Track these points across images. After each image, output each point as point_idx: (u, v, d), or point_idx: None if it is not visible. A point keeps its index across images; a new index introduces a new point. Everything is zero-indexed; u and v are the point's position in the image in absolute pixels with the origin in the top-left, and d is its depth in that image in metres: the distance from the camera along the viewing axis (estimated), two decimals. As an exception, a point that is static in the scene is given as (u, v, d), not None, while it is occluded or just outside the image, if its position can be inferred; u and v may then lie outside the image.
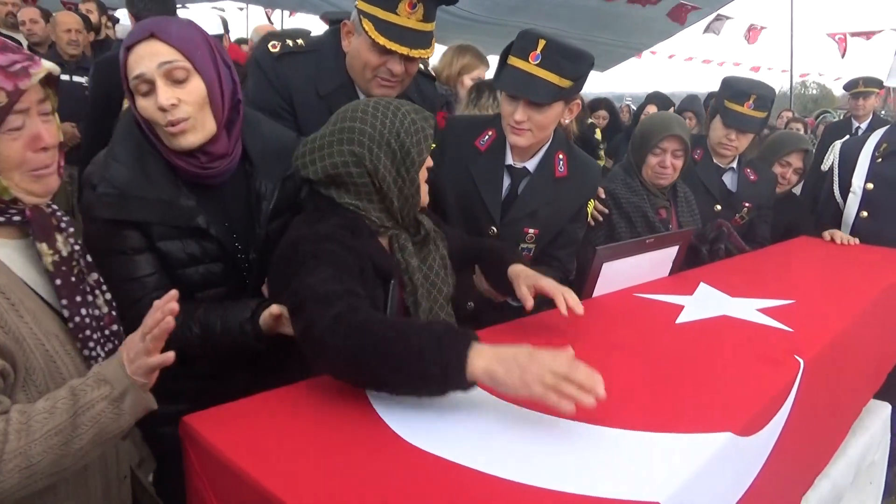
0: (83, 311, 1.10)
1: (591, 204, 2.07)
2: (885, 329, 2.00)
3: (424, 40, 1.68)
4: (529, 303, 1.40)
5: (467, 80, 3.04)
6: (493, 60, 2.14)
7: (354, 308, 1.09)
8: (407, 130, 1.32)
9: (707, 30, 8.83)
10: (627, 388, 1.19)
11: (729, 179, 2.64)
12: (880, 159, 2.63)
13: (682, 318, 1.57)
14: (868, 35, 9.56)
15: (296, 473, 0.89)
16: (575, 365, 0.99)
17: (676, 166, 2.26)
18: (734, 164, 2.64)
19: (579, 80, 1.73)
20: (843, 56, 9.56)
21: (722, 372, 1.28)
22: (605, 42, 8.33)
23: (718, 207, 2.53)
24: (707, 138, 2.66)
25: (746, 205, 2.58)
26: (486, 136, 1.87)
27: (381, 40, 1.62)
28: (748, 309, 1.64)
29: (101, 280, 1.19)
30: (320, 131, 1.34)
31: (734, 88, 2.50)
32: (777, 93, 3.05)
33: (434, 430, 1.00)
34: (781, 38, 10.17)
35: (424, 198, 1.41)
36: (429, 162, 1.38)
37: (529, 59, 1.70)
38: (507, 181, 1.88)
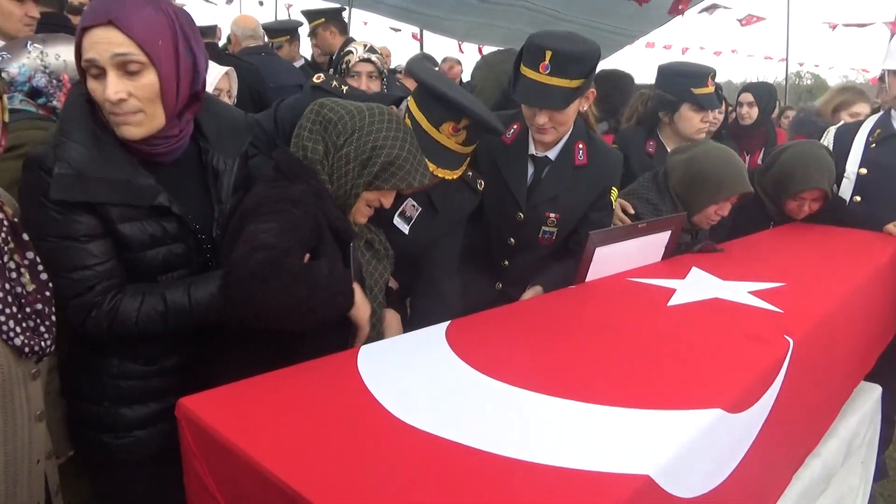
0: None
1: (615, 193, 2.12)
2: (875, 311, 2.02)
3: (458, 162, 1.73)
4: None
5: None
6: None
7: (278, 254, 1.20)
8: (389, 154, 1.43)
9: (701, 11, 8.85)
10: (618, 367, 1.21)
11: None
12: (874, 145, 2.64)
13: (674, 301, 1.58)
14: (861, 27, 9.59)
15: (294, 453, 0.90)
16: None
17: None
18: None
19: (589, 76, 1.83)
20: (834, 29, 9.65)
21: (712, 351, 1.30)
22: (602, 29, 8.32)
23: None
24: (658, 130, 2.66)
25: None
26: (512, 130, 1.99)
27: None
28: (739, 291, 1.65)
29: (38, 260, 1.19)
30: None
31: (695, 75, 2.54)
32: (773, 83, 3.05)
33: (427, 408, 1.01)
34: (777, 28, 10.16)
35: (359, 217, 1.52)
36: (385, 198, 1.50)
37: (540, 70, 1.80)
38: (530, 169, 2.01)
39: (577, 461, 0.89)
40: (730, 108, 4.25)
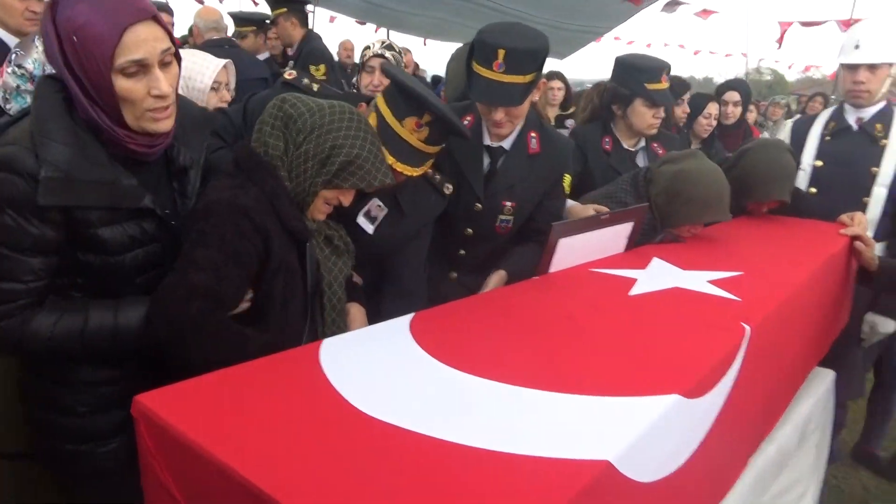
0: None
1: (567, 179, 2.17)
2: (829, 299, 2.08)
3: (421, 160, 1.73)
4: None
5: None
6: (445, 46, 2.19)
7: (212, 308, 1.25)
8: (348, 153, 1.43)
9: (664, 9, 8.98)
10: (580, 356, 1.22)
11: (641, 160, 2.68)
12: (828, 138, 2.72)
13: (636, 291, 1.60)
14: (816, 24, 9.85)
15: (255, 448, 0.89)
16: None
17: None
18: (642, 144, 2.68)
19: (541, 68, 1.87)
20: (779, 45, 9.88)
21: (672, 339, 1.32)
22: (567, 28, 8.39)
23: None
24: (612, 124, 2.67)
25: None
26: (465, 122, 2.00)
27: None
28: (699, 281, 1.69)
29: None
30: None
31: (650, 70, 2.54)
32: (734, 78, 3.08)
33: (390, 400, 1.01)
34: (737, 25, 10.38)
35: (318, 214, 1.51)
36: (344, 197, 1.49)
37: (494, 68, 1.82)
38: (486, 160, 2.04)
39: (538, 449, 0.90)
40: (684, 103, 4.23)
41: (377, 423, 0.95)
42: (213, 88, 2.16)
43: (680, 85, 3.22)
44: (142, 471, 1.04)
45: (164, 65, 1.24)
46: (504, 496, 0.80)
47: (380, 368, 1.12)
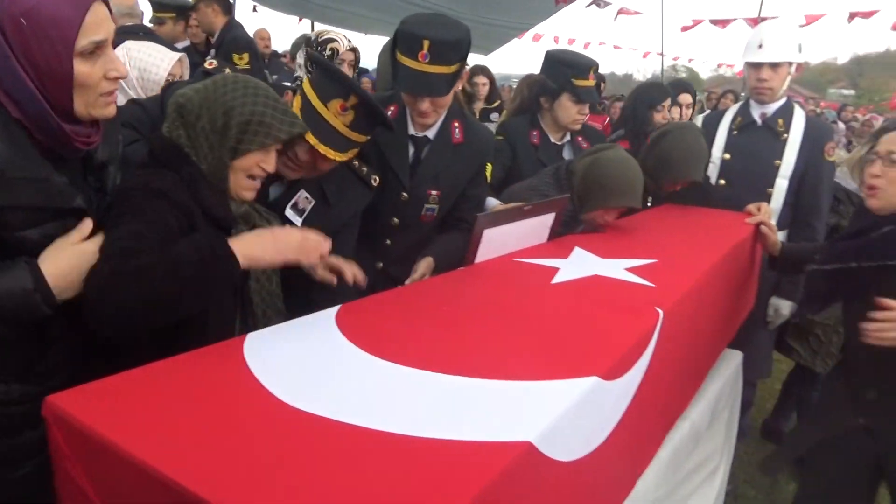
0: None
1: (489, 168, 2.22)
2: (737, 284, 2.21)
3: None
4: (332, 279, 1.55)
5: None
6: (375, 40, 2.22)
7: (127, 257, 1.16)
8: (242, 113, 1.38)
9: (588, 6, 9.22)
10: (503, 343, 1.25)
11: (567, 153, 2.77)
12: (735, 132, 2.88)
13: (557, 279, 1.66)
14: (724, 23, 10.38)
15: (175, 445, 0.86)
16: (307, 233, 1.33)
17: None
18: (568, 138, 2.77)
19: (465, 58, 1.92)
20: (683, 30, 10.39)
21: (590, 324, 1.37)
22: (490, 23, 8.48)
23: None
24: (540, 117, 2.73)
25: None
26: (389, 112, 2.02)
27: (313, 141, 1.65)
28: (616, 268, 1.76)
29: None
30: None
31: (578, 66, 2.62)
32: (652, 76, 3.23)
33: (316, 392, 1.01)
34: (654, 23, 10.79)
35: (244, 191, 1.44)
36: (264, 162, 1.43)
37: (419, 59, 1.84)
38: (411, 149, 2.08)
39: (461, 433, 0.91)
40: (615, 99, 4.36)
41: (301, 413, 0.95)
42: (167, 80, 2.10)
43: (660, 91, 3.33)
44: (55, 473, 0.99)
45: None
46: (427, 479, 0.81)
47: (305, 360, 1.12)
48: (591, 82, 2.63)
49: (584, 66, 2.62)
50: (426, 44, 1.82)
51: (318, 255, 1.36)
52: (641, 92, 3.36)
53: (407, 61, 1.86)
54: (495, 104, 5.17)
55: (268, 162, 1.44)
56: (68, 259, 1.17)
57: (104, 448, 0.88)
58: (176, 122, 1.40)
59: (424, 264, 1.93)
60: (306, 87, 1.70)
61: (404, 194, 2.05)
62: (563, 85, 2.61)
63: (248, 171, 1.43)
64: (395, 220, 2.09)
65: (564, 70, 2.63)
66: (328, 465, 0.83)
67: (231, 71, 2.08)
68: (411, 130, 2.06)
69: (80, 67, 1.13)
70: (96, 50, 1.14)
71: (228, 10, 4.22)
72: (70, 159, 1.25)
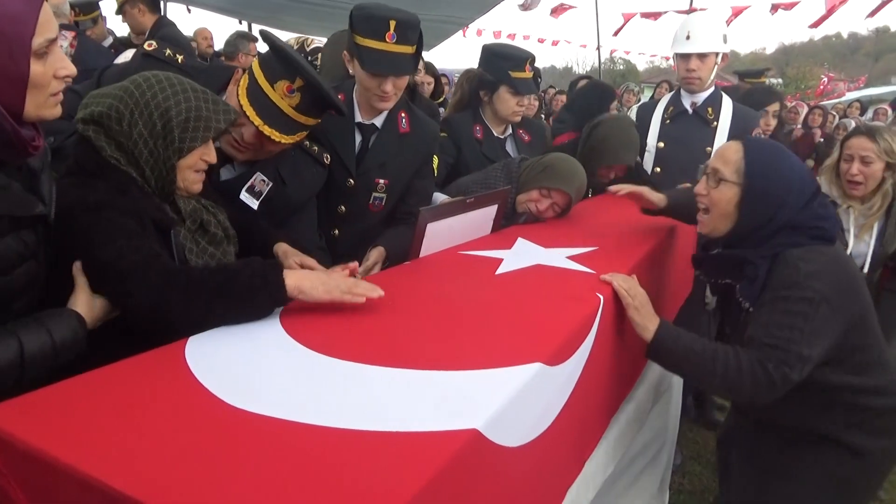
0: None
1: (436, 161, 2.25)
2: (674, 268, 2.29)
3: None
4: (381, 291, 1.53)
5: None
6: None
7: (167, 267, 1.24)
8: (179, 112, 1.36)
9: (522, 6, 9.30)
10: (447, 335, 1.26)
11: (510, 147, 2.82)
12: (668, 121, 2.97)
13: (501, 270, 1.68)
14: (655, 16, 10.67)
15: (112, 451, 0.84)
16: (356, 281, 1.35)
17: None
18: (510, 131, 2.82)
19: (420, 43, 1.98)
20: (615, 34, 10.69)
21: (534, 312, 1.40)
22: (430, 19, 8.48)
23: None
24: (482, 112, 2.76)
25: None
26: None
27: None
28: (559, 257, 1.79)
29: None
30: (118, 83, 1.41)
31: (513, 58, 2.67)
32: (590, 68, 3.30)
33: (261, 392, 1.00)
34: (590, 17, 11.01)
35: (192, 186, 1.45)
36: (206, 155, 1.44)
37: (386, 39, 1.89)
38: (358, 137, 2.10)
39: (409, 425, 0.92)
40: (557, 92, 4.42)
41: (245, 414, 0.94)
42: None
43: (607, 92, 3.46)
44: (-11, 492, 0.96)
45: None
46: (375, 471, 0.82)
47: (248, 359, 1.11)
48: (527, 74, 2.67)
49: (519, 58, 2.66)
50: (392, 24, 1.87)
51: (362, 300, 1.32)
52: (596, 89, 3.50)
53: (373, 43, 1.89)
54: (440, 100, 5.18)
55: (209, 153, 1.45)
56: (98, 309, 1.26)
57: (40, 461, 0.85)
58: (96, 132, 1.36)
59: (376, 253, 1.95)
60: (255, 66, 1.71)
61: (351, 181, 2.07)
62: (501, 78, 2.64)
63: (194, 167, 1.43)
64: (343, 208, 2.09)
65: (501, 63, 2.66)
66: (274, 463, 0.83)
67: (171, 52, 2.02)
68: (358, 118, 2.08)
69: (35, 67, 1.08)
70: (48, 48, 1.10)
71: (156, 8, 4.08)
72: (15, 167, 1.18)
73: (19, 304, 1.20)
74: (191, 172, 1.43)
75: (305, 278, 1.29)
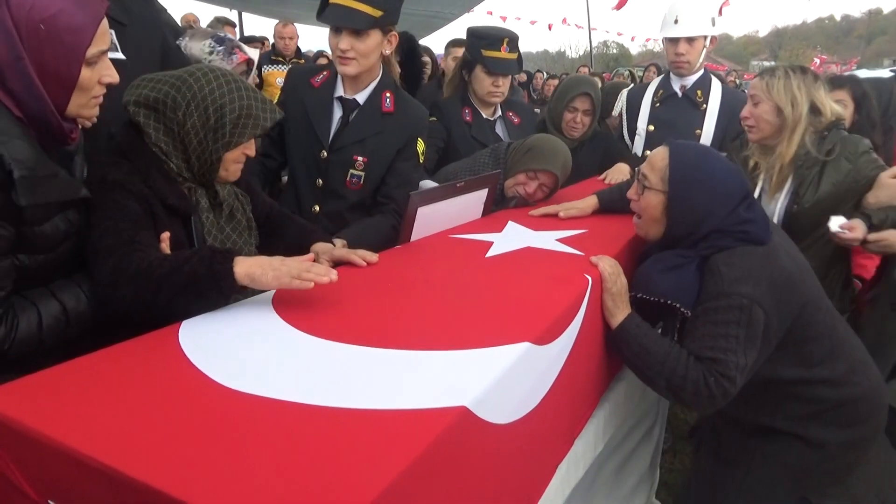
0: None
1: (421, 145, 2.21)
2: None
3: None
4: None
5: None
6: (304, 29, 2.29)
7: (128, 257, 1.25)
8: (233, 109, 1.43)
9: None
10: (439, 316, 1.28)
11: (500, 129, 2.82)
12: (658, 104, 2.98)
13: (492, 252, 1.70)
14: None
15: (110, 432, 0.87)
16: (310, 264, 1.31)
17: None
18: (499, 113, 2.82)
19: (389, 11, 1.95)
20: (617, 6, 10.67)
21: (523, 294, 1.42)
22: (418, 14, 8.45)
23: None
24: (470, 95, 2.77)
25: None
26: (321, 76, 2.14)
27: None
28: (548, 240, 1.81)
29: None
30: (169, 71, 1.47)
31: (488, 37, 2.65)
32: (583, 53, 3.28)
33: (254, 373, 1.02)
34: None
35: (233, 176, 1.53)
36: (247, 149, 1.51)
37: None
38: (339, 112, 2.10)
39: (399, 403, 0.94)
40: (548, 77, 4.35)
41: (239, 394, 0.96)
42: None
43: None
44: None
45: None
46: (366, 448, 0.84)
47: (241, 342, 1.13)
48: (503, 53, 2.64)
49: (495, 37, 2.64)
50: None
51: (310, 285, 1.28)
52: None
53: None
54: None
55: (250, 148, 1.52)
56: None
57: (39, 443, 0.87)
58: (146, 116, 1.41)
59: (339, 244, 1.82)
60: None
61: (324, 153, 2.08)
62: (476, 57, 2.65)
63: (237, 160, 1.51)
64: (320, 181, 2.10)
65: (476, 42, 2.67)
66: (266, 441, 0.85)
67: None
68: (339, 92, 2.09)
69: (85, 73, 1.23)
70: (99, 58, 1.25)
71: None
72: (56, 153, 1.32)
73: (59, 276, 1.33)
74: (233, 164, 1.50)
75: (257, 265, 1.28)
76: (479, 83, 2.68)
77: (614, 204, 2.11)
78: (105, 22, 1.25)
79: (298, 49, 6.16)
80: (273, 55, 5.90)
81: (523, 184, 2.22)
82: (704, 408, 1.57)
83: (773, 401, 1.70)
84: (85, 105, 1.28)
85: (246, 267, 1.26)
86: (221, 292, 1.26)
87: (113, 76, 1.30)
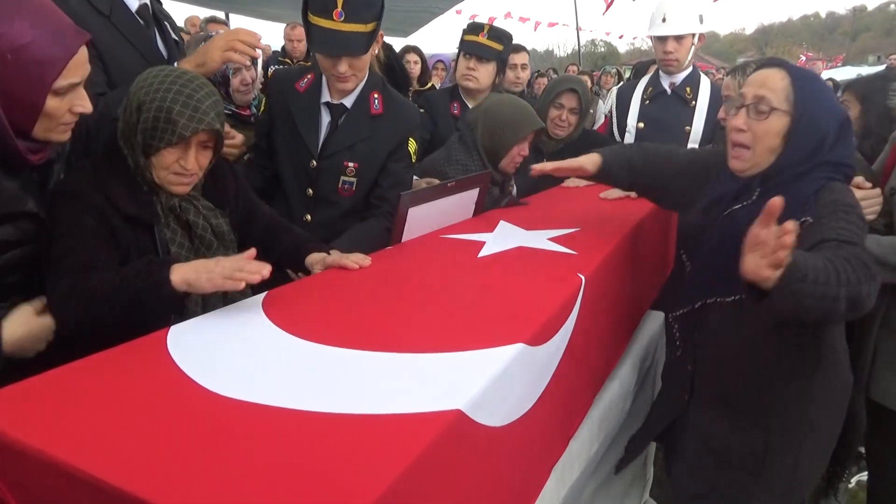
0: None
1: (413, 145, 2.19)
2: (653, 247, 2.31)
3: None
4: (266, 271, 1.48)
5: None
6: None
7: (82, 281, 1.25)
8: (149, 109, 1.36)
9: None
10: (431, 318, 1.27)
11: None
12: (647, 101, 2.98)
13: (484, 252, 1.69)
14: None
15: (95, 441, 0.84)
16: (244, 262, 1.27)
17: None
18: None
19: (378, 17, 1.89)
20: (604, 13, 10.73)
21: (516, 294, 1.41)
22: (406, 9, 8.43)
23: None
24: (460, 88, 2.85)
25: None
26: (306, 80, 2.04)
27: None
28: (540, 239, 1.80)
29: None
30: None
31: (473, 26, 2.79)
32: (572, 51, 3.32)
33: (245, 379, 1.00)
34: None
35: (172, 185, 1.44)
36: (183, 160, 1.41)
37: (334, 17, 1.81)
38: (327, 118, 2.03)
39: (393, 407, 0.93)
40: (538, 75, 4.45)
41: (229, 401, 0.94)
42: None
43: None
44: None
45: None
46: (361, 453, 0.82)
47: (230, 347, 1.11)
48: (481, 39, 2.73)
49: (476, 24, 2.76)
50: (340, 1, 1.80)
51: (241, 285, 1.26)
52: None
53: (321, 21, 1.81)
54: (428, 87, 5.10)
55: (186, 159, 1.41)
56: (29, 330, 1.26)
57: (22, 454, 0.85)
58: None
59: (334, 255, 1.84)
60: None
61: (314, 162, 2.01)
62: (459, 46, 2.75)
63: (170, 169, 1.40)
64: (311, 191, 2.04)
65: (463, 32, 2.79)
66: (258, 448, 0.83)
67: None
68: (326, 97, 2.01)
69: (51, 102, 1.23)
70: (70, 89, 1.25)
71: None
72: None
73: (12, 280, 1.31)
74: (167, 173, 1.41)
75: (192, 270, 1.25)
76: (458, 68, 2.77)
77: (616, 168, 1.88)
78: (82, 54, 1.25)
79: (308, 51, 6.11)
80: (281, 57, 5.85)
81: (518, 152, 2.26)
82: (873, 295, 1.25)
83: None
84: (52, 130, 1.28)
85: (182, 273, 1.24)
86: (162, 301, 1.24)
87: (85, 106, 1.29)
